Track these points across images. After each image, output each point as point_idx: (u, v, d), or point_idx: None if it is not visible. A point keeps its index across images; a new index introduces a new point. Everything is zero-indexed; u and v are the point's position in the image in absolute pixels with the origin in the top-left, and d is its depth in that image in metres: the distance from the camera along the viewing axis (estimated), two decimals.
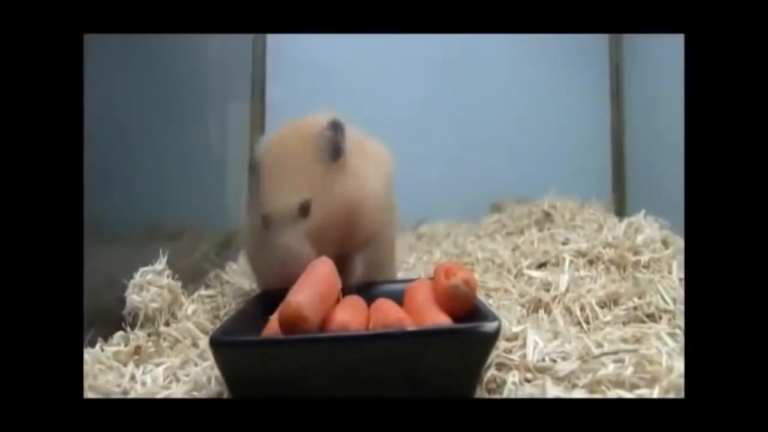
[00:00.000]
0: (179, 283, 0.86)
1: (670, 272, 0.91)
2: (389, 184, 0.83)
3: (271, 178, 0.72)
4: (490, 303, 0.88)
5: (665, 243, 1.02)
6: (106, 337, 0.72)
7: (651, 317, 0.77)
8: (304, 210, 0.70)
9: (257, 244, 0.76)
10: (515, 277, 1.02)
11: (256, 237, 0.76)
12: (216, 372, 0.58)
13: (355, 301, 0.65)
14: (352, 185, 0.74)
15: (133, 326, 0.76)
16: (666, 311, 0.77)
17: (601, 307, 0.81)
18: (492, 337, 0.51)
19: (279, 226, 0.70)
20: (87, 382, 0.58)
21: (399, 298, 0.68)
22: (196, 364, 0.66)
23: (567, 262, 0.98)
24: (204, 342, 0.72)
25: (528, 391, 0.54)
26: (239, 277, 1.16)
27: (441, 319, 0.57)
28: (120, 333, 0.74)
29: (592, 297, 0.82)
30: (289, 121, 0.82)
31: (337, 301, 0.62)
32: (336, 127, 0.75)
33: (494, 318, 0.53)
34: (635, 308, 0.78)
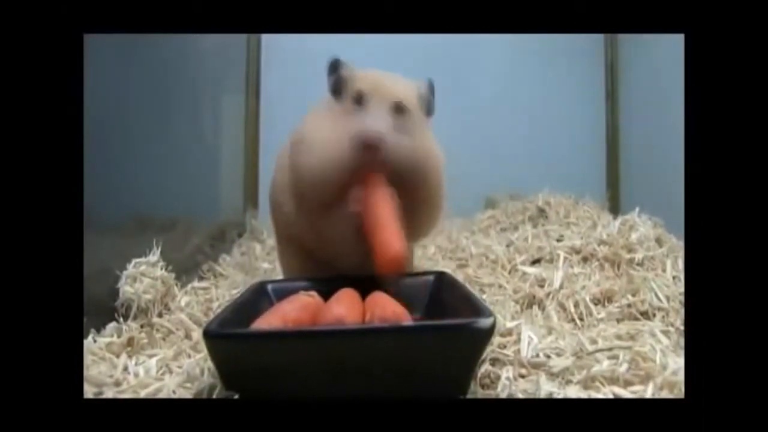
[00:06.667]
0: (172, 275, 0.86)
1: (663, 270, 0.91)
2: None
3: None
4: (484, 298, 0.88)
5: (659, 241, 1.03)
6: (99, 328, 0.72)
7: (645, 315, 0.77)
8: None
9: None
10: (509, 273, 1.03)
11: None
12: (209, 364, 0.57)
13: (351, 295, 0.65)
14: None
15: (126, 317, 0.76)
16: (660, 309, 0.77)
17: (595, 304, 0.81)
18: (487, 333, 0.51)
19: None
20: None
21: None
22: (189, 356, 0.66)
23: (561, 259, 0.98)
24: (197, 334, 0.72)
25: (522, 387, 0.54)
26: (233, 270, 1.16)
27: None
28: (113, 324, 0.73)
29: (586, 294, 0.82)
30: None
31: None
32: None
33: (489, 314, 0.53)
34: (629, 306, 0.79)
